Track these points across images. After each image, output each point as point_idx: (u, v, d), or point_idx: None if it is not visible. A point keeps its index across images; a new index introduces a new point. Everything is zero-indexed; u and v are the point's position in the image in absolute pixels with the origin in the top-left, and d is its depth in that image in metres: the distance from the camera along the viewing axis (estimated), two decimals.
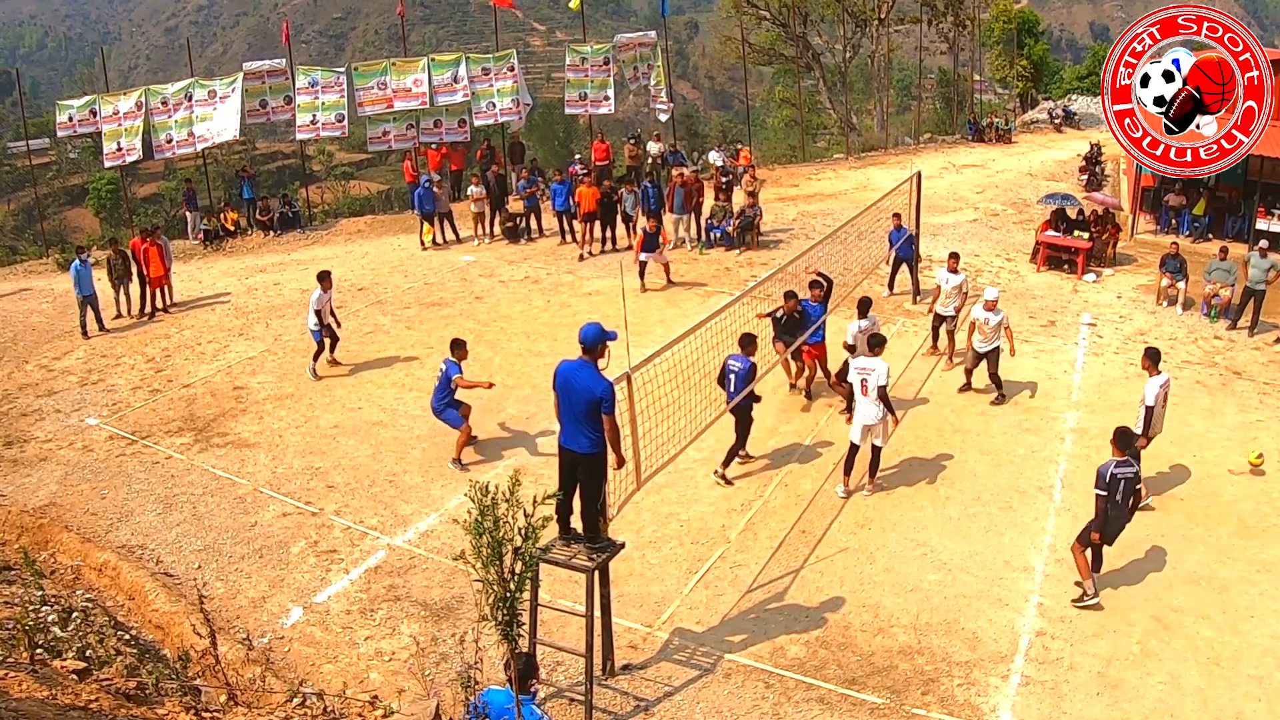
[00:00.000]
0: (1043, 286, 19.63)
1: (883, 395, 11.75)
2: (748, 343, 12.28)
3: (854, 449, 12.09)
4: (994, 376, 14.55)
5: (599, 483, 8.49)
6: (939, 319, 15.97)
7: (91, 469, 13.32)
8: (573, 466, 8.58)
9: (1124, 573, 10.67)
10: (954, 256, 16.13)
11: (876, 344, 12.15)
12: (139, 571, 10.98)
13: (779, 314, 14.16)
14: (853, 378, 12.16)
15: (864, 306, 13.83)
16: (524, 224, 23.54)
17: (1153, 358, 12.05)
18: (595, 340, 8.47)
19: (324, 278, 15.85)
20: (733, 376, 12.15)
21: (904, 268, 18.57)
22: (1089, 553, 10.12)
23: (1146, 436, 11.89)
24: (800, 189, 28.53)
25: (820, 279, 14.25)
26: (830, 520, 11.69)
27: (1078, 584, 10.25)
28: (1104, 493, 9.87)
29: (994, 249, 22.05)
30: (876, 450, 12.14)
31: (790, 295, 14.19)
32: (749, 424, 12.64)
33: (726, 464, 12.63)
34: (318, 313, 15.63)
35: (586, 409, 8.31)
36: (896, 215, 17.97)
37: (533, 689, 6.56)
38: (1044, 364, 15.87)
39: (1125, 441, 10.01)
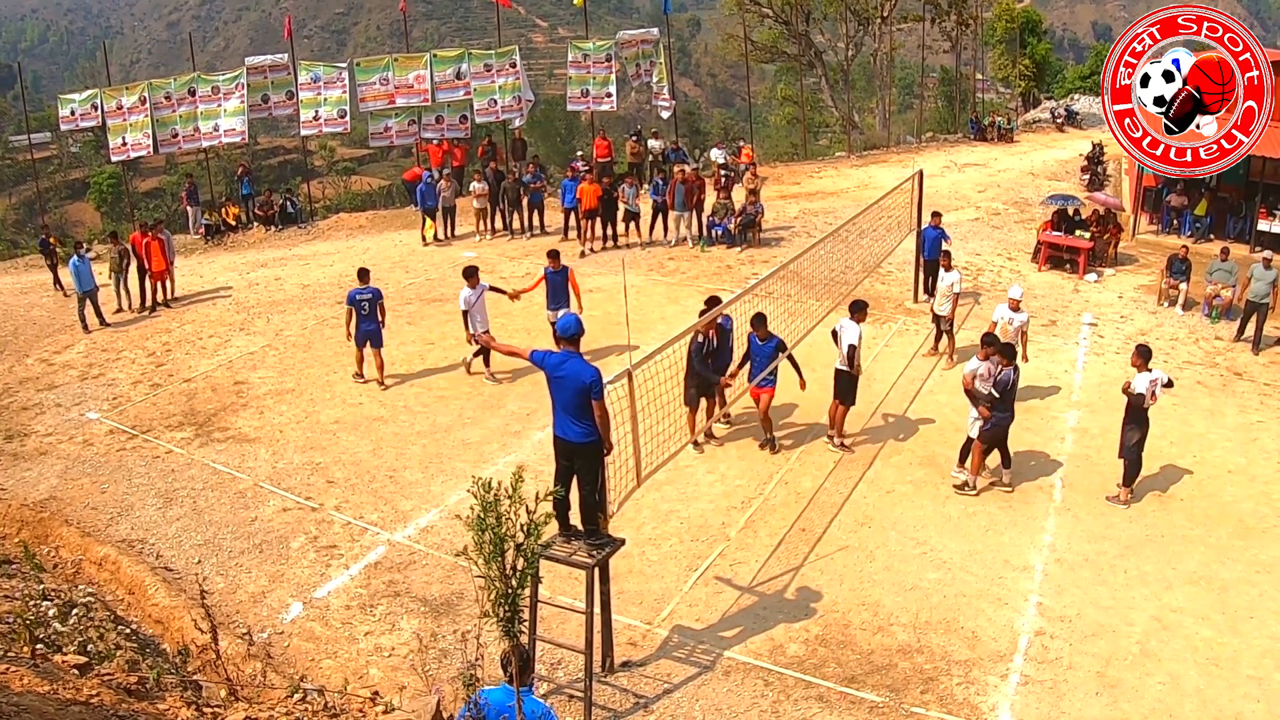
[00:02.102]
0: (1044, 286, 19.63)
1: (968, 389, 12.09)
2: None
3: (969, 439, 12.41)
4: None
5: (595, 472, 8.48)
6: (935, 318, 16.03)
7: (92, 463, 13.33)
8: (568, 457, 8.58)
9: (1124, 573, 10.69)
10: (946, 255, 16.16)
11: (988, 343, 12.25)
12: (139, 566, 10.98)
13: (699, 339, 12.72)
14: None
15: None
16: (526, 216, 23.56)
17: (1144, 355, 12.01)
18: (575, 330, 8.52)
19: (470, 274, 15.14)
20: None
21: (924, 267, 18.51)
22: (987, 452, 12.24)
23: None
24: (802, 187, 28.52)
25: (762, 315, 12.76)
26: (830, 518, 11.70)
27: (964, 484, 12.29)
28: (997, 394, 11.87)
29: (995, 248, 22.05)
30: (968, 441, 12.36)
31: (713, 300, 13.18)
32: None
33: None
34: (465, 313, 14.98)
35: (576, 398, 8.31)
36: (936, 214, 18.09)
37: (531, 681, 6.56)
38: (1045, 363, 15.86)
39: (1010, 354, 12.08)
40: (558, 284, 15.63)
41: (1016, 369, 12.06)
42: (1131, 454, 11.94)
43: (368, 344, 15.31)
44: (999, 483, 12.35)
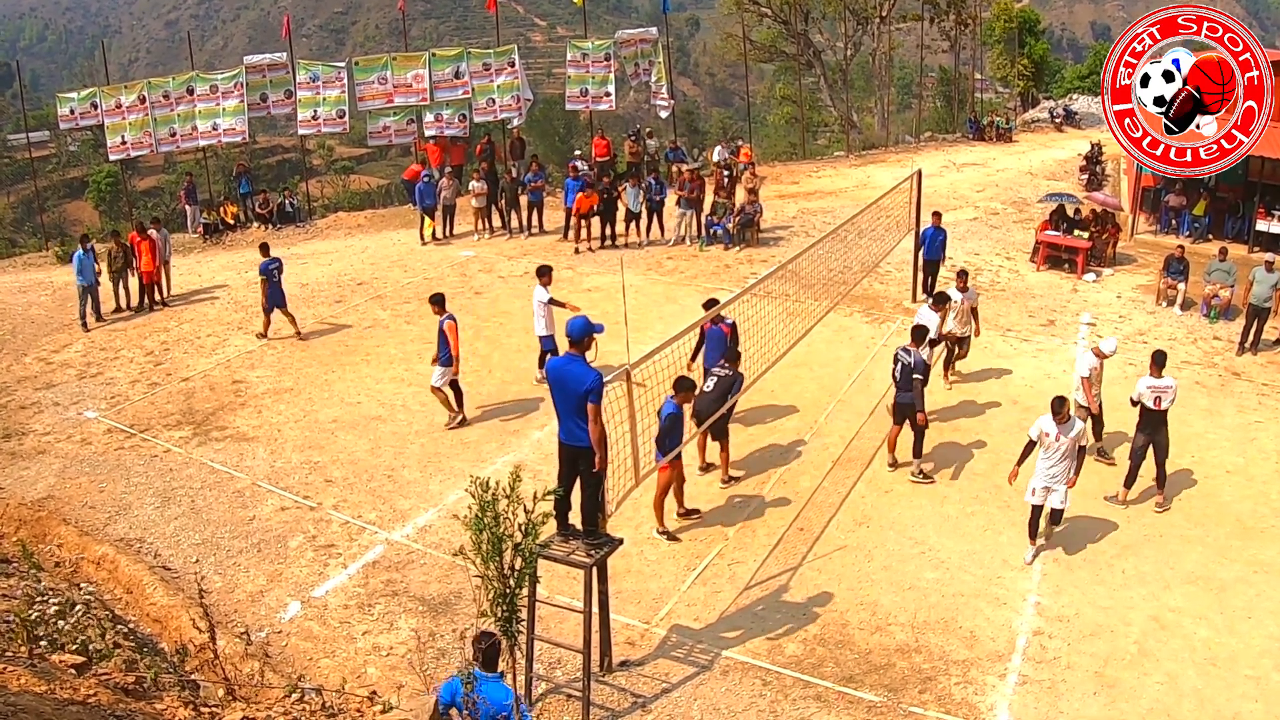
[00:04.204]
0: (1042, 286, 19.63)
1: (1078, 453, 10.73)
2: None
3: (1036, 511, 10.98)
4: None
5: (599, 476, 8.50)
6: (955, 340, 14.95)
7: (90, 462, 13.31)
8: (573, 461, 8.58)
9: (1122, 572, 10.69)
10: (962, 275, 15.07)
11: (1058, 407, 10.64)
12: (137, 565, 10.98)
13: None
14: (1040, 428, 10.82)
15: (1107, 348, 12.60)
16: (526, 215, 23.56)
17: (1158, 361, 11.94)
18: (582, 333, 8.49)
19: (544, 273, 14.56)
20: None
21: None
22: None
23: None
24: (801, 186, 28.52)
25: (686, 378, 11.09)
26: (828, 518, 11.70)
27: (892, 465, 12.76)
28: (922, 377, 12.29)
29: (994, 248, 22.05)
30: (1056, 514, 10.95)
31: (713, 302, 12.84)
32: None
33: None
34: (543, 307, 14.32)
35: (580, 402, 8.31)
36: (937, 214, 18.08)
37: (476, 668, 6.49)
38: (1043, 363, 15.87)
39: (919, 336, 12.55)
40: (439, 333, 13.72)
41: (924, 362, 12.45)
42: (1136, 457, 11.94)
43: (275, 308, 17.35)
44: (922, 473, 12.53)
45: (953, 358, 15.39)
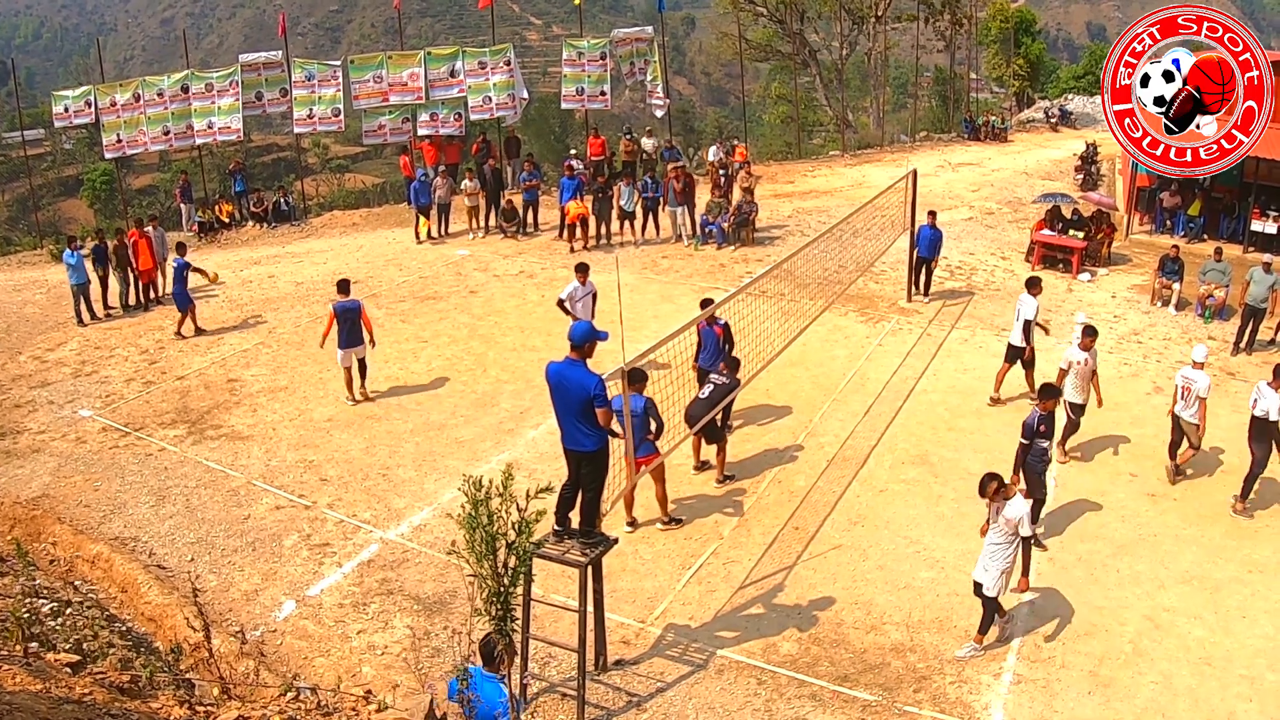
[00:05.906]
0: None
1: (1023, 537, 9.32)
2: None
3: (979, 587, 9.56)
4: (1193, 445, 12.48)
5: (601, 479, 8.53)
6: (1076, 409, 12.97)
7: (85, 461, 13.29)
8: (577, 464, 8.59)
9: (1117, 572, 10.70)
10: (1091, 332, 12.89)
11: (1047, 395, 10.57)
12: (132, 564, 10.95)
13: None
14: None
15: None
16: (521, 215, 23.55)
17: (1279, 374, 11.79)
18: (584, 339, 8.47)
19: (582, 269, 14.85)
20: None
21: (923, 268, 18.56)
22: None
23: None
24: (796, 186, 28.54)
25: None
26: (823, 517, 11.70)
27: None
28: (1026, 441, 10.84)
29: (989, 247, 22.07)
30: (989, 604, 9.42)
31: (708, 302, 12.45)
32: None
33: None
34: (561, 302, 14.62)
35: (581, 407, 8.31)
36: (932, 213, 18.15)
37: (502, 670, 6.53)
38: (1039, 363, 15.85)
39: (1048, 394, 11.08)
40: (350, 319, 14.29)
41: (1032, 424, 10.83)
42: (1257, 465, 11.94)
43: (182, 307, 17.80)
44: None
45: (1068, 430, 13.14)
